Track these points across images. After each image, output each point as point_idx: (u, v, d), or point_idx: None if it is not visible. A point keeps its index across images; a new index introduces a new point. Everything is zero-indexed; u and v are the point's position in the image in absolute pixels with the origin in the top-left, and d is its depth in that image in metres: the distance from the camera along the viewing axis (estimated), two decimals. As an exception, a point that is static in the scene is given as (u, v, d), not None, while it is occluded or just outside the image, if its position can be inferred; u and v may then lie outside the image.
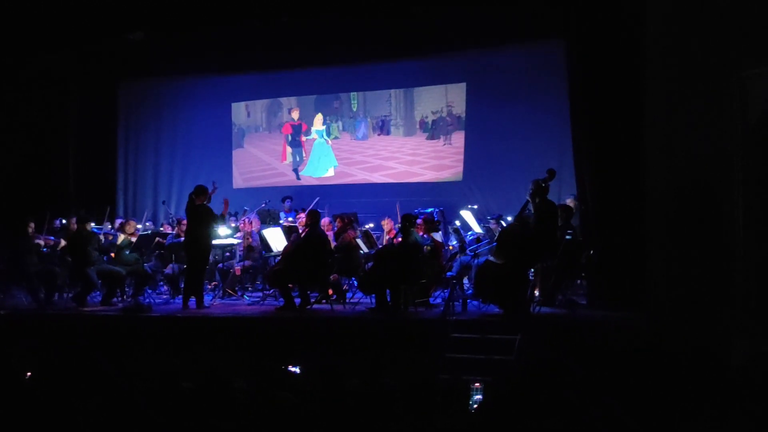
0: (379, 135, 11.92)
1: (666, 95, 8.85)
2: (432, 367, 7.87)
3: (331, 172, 12.86)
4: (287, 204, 13.44)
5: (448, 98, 11.57)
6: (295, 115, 13.46)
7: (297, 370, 6.41)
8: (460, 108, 11.36)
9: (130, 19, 12.89)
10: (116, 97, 16.06)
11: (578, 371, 4.76)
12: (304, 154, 13.60)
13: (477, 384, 5.70)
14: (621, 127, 9.72)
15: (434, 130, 11.34)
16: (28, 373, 5.56)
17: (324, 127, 12.85)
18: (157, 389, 4.89)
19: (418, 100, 11.53)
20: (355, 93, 12.14)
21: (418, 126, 11.65)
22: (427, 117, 11.66)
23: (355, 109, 12.24)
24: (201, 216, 10.64)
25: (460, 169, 11.61)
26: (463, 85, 11.91)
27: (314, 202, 12.12)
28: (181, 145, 16.16)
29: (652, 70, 9.05)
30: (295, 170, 14.17)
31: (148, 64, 15.04)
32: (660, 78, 8.93)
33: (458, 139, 11.29)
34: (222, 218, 10.95)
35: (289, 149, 13.97)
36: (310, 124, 13.70)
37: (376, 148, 11.96)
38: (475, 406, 5.25)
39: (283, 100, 14.28)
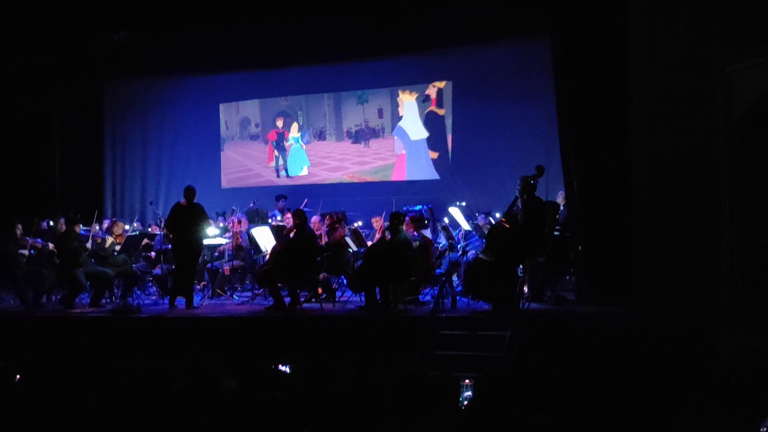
0: (318, 141, 15.34)
1: (651, 91, 8.90)
2: (422, 364, 7.88)
3: (305, 171, 15.47)
4: (281, 203, 13.46)
5: (365, 115, 14.94)
6: (279, 123, 15.71)
7: (287, 369, 6.42)
8: (374, 122, 14.84)
9: (115, 19, 12.84)
10: (102, 97, 15.97)
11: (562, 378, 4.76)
12: (287, 156, 15.61)
13: (467, 381, 5.71)
14: (607, 122, 9.75)
15: (356, 137, 14.96)
16: (17, 376, 5.54)
17: (299, 134, 15.51)
18: (147, 389, 4.88)
19: (345, 116, 15.05)
20: (301, 111, 15.50)
21: (345, 134, 15.08)
22: (351, 128, 15.03)
23: (301, 123, 15.52)
24: (191, 216, 10.62)
25: (378, 164, 14.88)
26: (375, 105, 14.95)
27: (303, 203, 12.20)
28: (169, 145, 16.13)
29: (637, 65, 9.09)
30: (280, 170, 15.76)
31: (133, 64, 14.95)
32: (645, 73, 8.97)
33: (374, 143, 14.88)
34: (207, 219, 10.98)
35: (275, 152, 15.77)
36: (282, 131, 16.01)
37: (316, 150, 15.37)
38: (465, 402, 5.27)
39: (251, 116, 16.09)
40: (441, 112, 14.39)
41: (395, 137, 14.76)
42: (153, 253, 11.90)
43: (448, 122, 14.34)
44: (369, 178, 14.90)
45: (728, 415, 4.33)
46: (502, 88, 13.70)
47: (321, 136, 15.29)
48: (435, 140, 14.45)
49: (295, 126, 15.53)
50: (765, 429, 4.28)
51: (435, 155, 14.47)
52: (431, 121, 14.50)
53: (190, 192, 10.75)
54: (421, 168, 14.54)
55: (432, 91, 14.48)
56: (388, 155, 14.84)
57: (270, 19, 13.14)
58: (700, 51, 8.45)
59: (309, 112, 15.36)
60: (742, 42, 8.02)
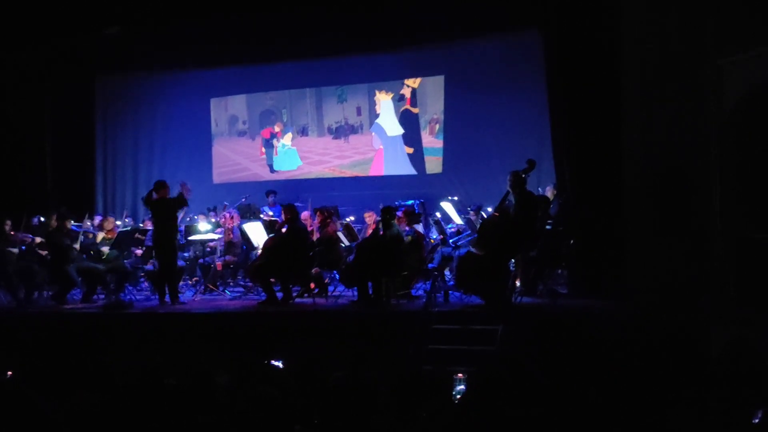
0: (301, 137, 15.95)
1: (643, 84, 8.90)
2: (414, 358, 7.88)
3: (296, 168, 16.07)
4: (271, 198, 13.50)
5: (345, 113, 15.57)
6: (278, 128, 16.21)
7: (279, 364, 6.41)
8: (352, 120, 15.50)
9: (106, 14, 12.78)
10: (93, 92, 15.92)
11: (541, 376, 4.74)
12: (274, 155, 16.20)
13: (460, 375, 5.71)
14: (599, 116, 9.75)
15: (337, 133, 15.64)
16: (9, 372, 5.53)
17: (290, 143, 16.18)
18: (139, 386, 4.87)
19: (326, 114, 15.71)
20: (285, 109, 16.02)
21: (326, 131, 15.69)
22: (331, 125, 15.67)
23: (285, 120, 16.10)
24: (163, 210, 10.57)
25: (356, 158, 15.59)
26: (354, 103, 15.52)
27: (308, 203, 12.22)
28: (160, 140, 16.13)
29: (629, 58, 9.09)
30: (270, 165, 16.24)
31: (124, 59, 14.93)
32: (636, 66, 8.97)
33: (353, 139, 15.56)
34: (184, 200, 10.78)
35: (263, 148, 16.28)
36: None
37: (299, 146, 16.02)
38: (459, 396, 5.27)
39: (238, 114, 16.40)
40: (415, 110, 15.04)
41: (373, 133, 15.43)
42: (139, 251, 11.84)
43: (422, 120, 14.89)
44: (349, 172, 15.56)
45: (721, 408, 4.34)
46: (494, 82, 13.76)
47: (303, 132, 15.90)
48: (410, 137, 15.03)
49: (289, 135, 15.99)
50: (757, 421, 4.29)
51: (410, 150, 15.06)
52: (406, 119, 15.06)
53: (155, 187, 10.71)
54: (398, 162, 15.19)
55: (406, 90, 15.10)
56: (367, 150, 15.52)
57: (259, 14, 13.11)
58: (692, 44, 8.45)
59: (292, 109, 15.99)
60: (734, 35, 8.02)
